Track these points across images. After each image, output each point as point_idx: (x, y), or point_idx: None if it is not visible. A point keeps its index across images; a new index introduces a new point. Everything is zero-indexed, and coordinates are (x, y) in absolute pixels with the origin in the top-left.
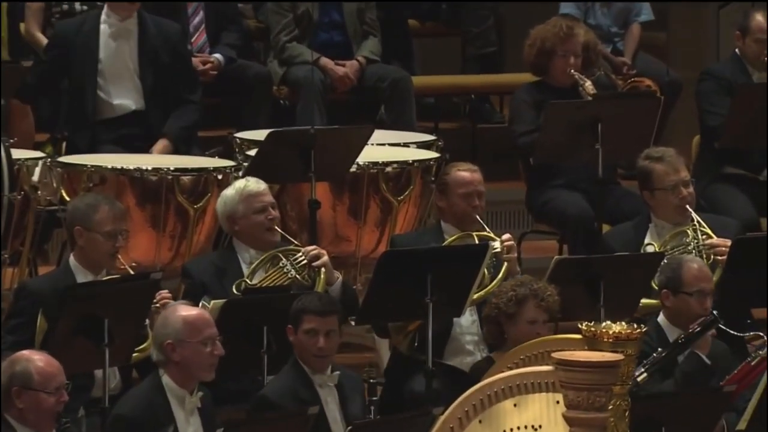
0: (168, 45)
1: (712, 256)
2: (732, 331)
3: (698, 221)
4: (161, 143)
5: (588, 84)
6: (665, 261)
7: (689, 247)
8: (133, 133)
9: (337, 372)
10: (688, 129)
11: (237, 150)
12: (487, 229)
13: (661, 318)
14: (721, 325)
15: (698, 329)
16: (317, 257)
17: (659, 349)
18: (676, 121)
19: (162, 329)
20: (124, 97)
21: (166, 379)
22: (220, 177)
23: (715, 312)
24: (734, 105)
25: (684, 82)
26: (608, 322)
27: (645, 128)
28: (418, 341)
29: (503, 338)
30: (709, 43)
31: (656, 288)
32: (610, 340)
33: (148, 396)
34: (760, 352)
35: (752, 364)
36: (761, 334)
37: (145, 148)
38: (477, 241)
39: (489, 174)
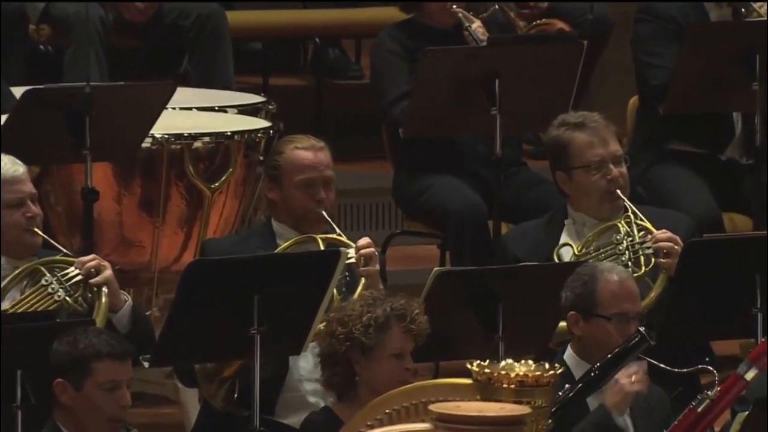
0: None
1: (653, 259)
2: (664, 366)
3: (633, 210)
4: None
5: (476, 25)
6: (577, 271)
7: (621, 247)
8: None
9: None
10: (621, 89)
11: None
12: (338, 231)
13: (568, 353)
14: (651, 359)
15: (619, 354)
16: (96, 271)
17: (566, 386)
18: (605, 77)
19: None
20: None
21: None
22: None
23: (642, 329)
24: (684, 54)
25: (615, 22)
26: (509, 361)
27: (561, 87)
28: (238, 391)
29: (353, 382)
30: None
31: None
32: (513, 386)
33: None
34: (708, 393)
35: (699, 410)
36: (710, 368)
37: None
38: (322, 247)
39: (340, 151)
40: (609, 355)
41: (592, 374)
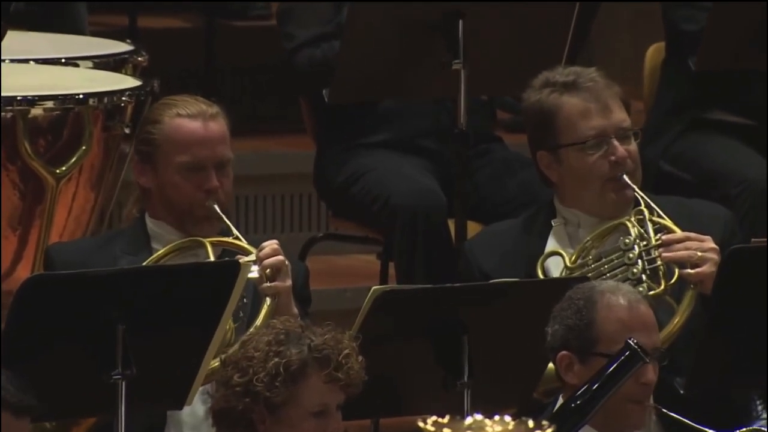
0: None
1: (676, 270)
2: (701, 427)
3: (647, 203)
4: None
5: None
6: (568, 295)
7: (631, 255)
8: None
9: None
10: (636, 32)
11: None
12: (236, 232)
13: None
14: (680, 417)
15: (604, 379)
16: None
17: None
18: (613, 19)
19: None
20: None
21: None
22: None
23: (633, 341)
24: None
25: None
26: (478, 417)
27: (550, 31)
28: None
29: None
30: None
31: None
32: None
33: None
34: None
35: None
36: (762, 429)
37: None
38: (212, 254)
39: (240, 121)
40: (590, 381)
41: (573, 406)
